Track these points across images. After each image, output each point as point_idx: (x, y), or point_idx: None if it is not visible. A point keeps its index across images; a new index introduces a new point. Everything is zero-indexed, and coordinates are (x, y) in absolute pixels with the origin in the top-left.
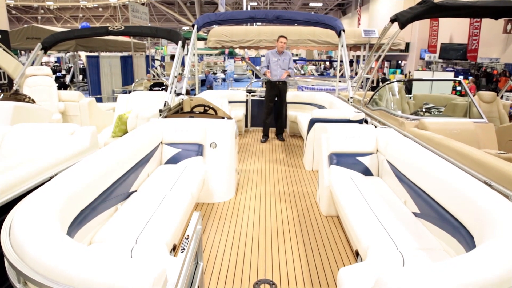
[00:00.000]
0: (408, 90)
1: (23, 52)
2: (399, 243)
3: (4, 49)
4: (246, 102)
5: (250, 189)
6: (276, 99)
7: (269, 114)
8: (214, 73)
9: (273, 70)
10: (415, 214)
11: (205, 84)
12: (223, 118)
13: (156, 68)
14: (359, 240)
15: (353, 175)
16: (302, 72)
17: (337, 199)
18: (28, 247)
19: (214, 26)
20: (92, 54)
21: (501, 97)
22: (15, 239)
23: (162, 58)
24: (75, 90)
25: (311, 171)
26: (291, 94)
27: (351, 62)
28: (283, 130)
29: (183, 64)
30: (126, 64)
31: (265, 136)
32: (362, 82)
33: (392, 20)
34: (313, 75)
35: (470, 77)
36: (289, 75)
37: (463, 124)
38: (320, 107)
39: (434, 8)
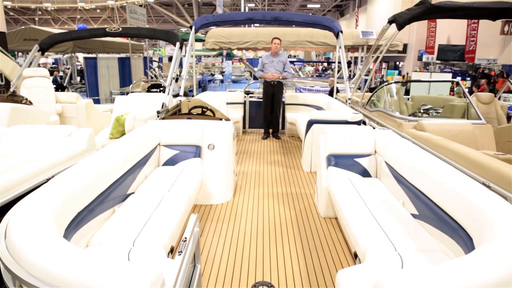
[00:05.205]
0: (406, 91)
1: (20, 54)
2: (397, 245)
3: (1, 51)
4: (244, 103)
5: (248, 190)
6: (272, 98)
7: (268, 112)
8: (212, 75)
9: (267, 72)
10: (413, 215)
11: (200, 83)
12: (221, 119)
13: (154, 70)
14: (357, 242)
15: (351, 177)
16: (301, 74)
17: (335, 201)
18: (24, 250)
19: (212, 27)
20: (90, 55)
21: (499, 98)
22: (10, 242)
23: (160, 60)
24: (72, 91)
25: (309, 173)
26: (289, 96)
27: (349, 63)
28: (278, 129)
29: (181, 65)
30: (124, 66)
31: (266, 133)
32: (360, 83)
33: (390, 21)
34: (311, 76)
35: (483, 80)
36: (284, 78)
37: (461, 125)
38: (318, 108)
39: (432, 9)
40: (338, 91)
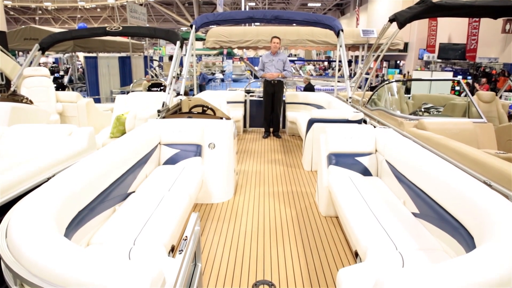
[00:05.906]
0: (407, 90)
1: (21, 53)
2: (398, 243)
3: (1, 50)
4: (245, 102)
5: (248, 189)
6: (272, 97)
7: (268, 111)
8: (213, 73)
9: (268, 71)
10: (414, 214)
11: (199, 81)
12: (221, 118)
13: (154, 69)
14: (358, 241)
15: (352, 176)
16: (302, 73)
17: (336, 200)
18: (25, 249)
19: (212, 26)
20: (90, 54)
21: (500, 97)
22: (11, 240)
23: (161, 59)
24: (73, 91)
25: (310, 172)
26: (290, 95)
27: (349, 62)
28: (279, 128)
29: (181, 64)
30: (124, 65)
31: (267, 132)
32: (360, 82)
33: (391, 20)
34: (312, 75)
35: (483, 79)
36: (283, 77)
37: (462, 124)
38: (319, 107)
39: (433, 7)
40: (314, 89)
